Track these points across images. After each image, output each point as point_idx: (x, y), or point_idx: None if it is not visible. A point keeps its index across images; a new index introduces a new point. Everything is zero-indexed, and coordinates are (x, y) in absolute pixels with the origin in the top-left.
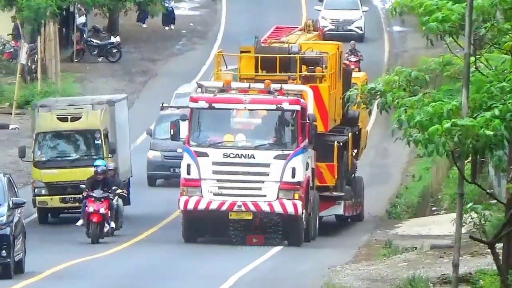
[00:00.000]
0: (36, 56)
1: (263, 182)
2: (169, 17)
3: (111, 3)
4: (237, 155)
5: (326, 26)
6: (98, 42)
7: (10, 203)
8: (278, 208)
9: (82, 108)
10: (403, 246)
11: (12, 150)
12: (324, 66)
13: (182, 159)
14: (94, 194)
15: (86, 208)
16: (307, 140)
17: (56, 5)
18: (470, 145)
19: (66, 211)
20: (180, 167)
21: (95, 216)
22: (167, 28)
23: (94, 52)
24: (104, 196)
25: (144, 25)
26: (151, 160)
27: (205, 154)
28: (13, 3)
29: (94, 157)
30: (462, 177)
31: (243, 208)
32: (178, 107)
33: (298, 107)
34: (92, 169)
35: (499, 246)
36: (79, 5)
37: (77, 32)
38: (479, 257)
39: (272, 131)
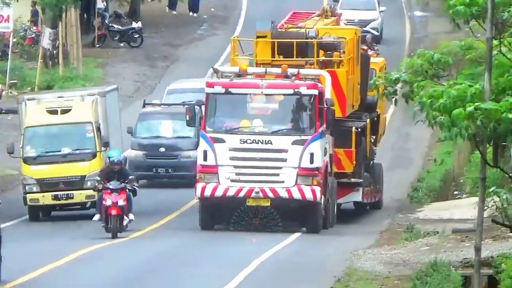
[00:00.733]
0: (58, 41)
1: (281, 168)
2: (196, 4)
3: None
4: (254, 141)
5: None
6: (120, 27)
7: None
8: (296, 194)
9: (72, 100)
10: (425, 230)
11: None
12: (342, 51)
13: (165, 158)
14: (110, 186)
15: (103, 201)
16: (325, 125)
17: None
18: (493, 129)
19: (57, 208)
20: (163, 167)
21: (114, 209)
22: (193, 14)
23: (116, 38)
24: (121, 187)
25: (174, 12)
26: (132, 160)
27: (221, 140)
28: None
29: (87, 151)
30: (484, 161)
31: (260, 195)
32: (160, 104)
33: (315, 92)
34: (81, 164)
35: None
36: None
37: (99, 17)
38: (501, 241)
39: (289, 116)
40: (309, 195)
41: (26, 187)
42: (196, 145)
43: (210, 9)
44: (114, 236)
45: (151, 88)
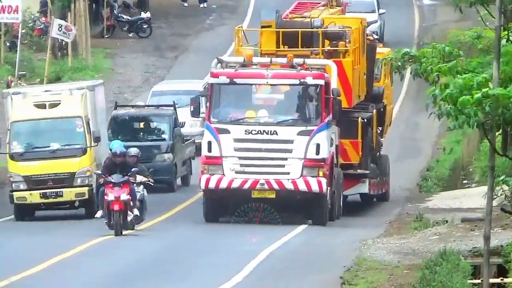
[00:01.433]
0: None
1: (286, 159)
2: None
3: None
4: (259, 132)
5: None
6: (128, 18)
7: None
8: (302, 186)
9: (60, 94)
10: (434, 220)
11: None
12: (347, 40)
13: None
14: (112, 180)
15: (105, 196)
16: (331, 116)
17: None
18: (501, 115)
19: (43, 206)
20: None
21: (116, 204)
22: (201, 5)
23: (125, 28)
24: (124, 181)
25: (186, 4)
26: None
27: (226, 131)
28: None
29: (77, 147)
30: (493, 149)
31: (266, 187)
32: (133, 106)
33: (321, 82)
34: (71, 161)
35: None
36: None
37: (107, 8)
38: (510, 230)
39: (295, 106)
40: (315, 187)
41: (13, 185)
42: (171, 148)
43: None
44: (118, 233)
45: (160, 79)
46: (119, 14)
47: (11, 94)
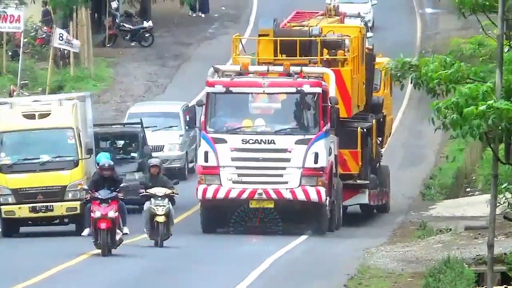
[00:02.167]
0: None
1: (284, 168)
2: (205, 5)
3: None
4: (256, 141)
5: None
6: (131, 26)
7: None
8: (301, 196)
9: (50, 104)
10: (437, 228)
11: None
12: (346, 49)
13: None
14: (99, 196)
15: (92, 213)
16: (329, 124)
17: None
18: (505, 128)
19: (29, 222)
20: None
21: (104, 222)
22: (194, 15)
23: (127, 37)
24: (112, 197)
25: (195, 14)
26: None
27: (223, 141)
28: None
29: (68, 159)
30: (496, 158)
31: (264, 196)
32: (99, 125)
33: (319, 90)
34: (62, 173)
35: None
36: None
37: (109, 17)
38: None
39: (292, 115)
40: (313, 196)
41: (1, 198)
42: (141, 167)
43: (221, 8)
44: (105, 253)
45: (162, 88)
46: (121, 23)
47: None
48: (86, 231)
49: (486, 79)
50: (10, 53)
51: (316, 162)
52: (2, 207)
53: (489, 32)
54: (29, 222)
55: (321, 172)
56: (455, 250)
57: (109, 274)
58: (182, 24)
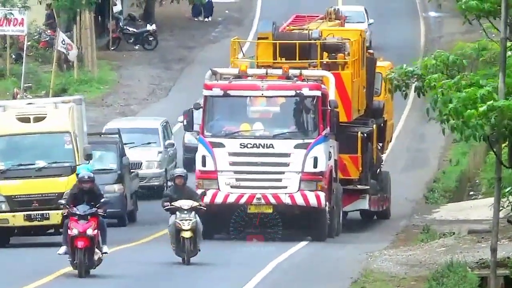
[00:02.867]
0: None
1: (283, 173)
2: (209, 9)
3: None
4: (255, 145)
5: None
6: (134, 30)
7: None
8: (300, 200)
9: (45, 107)
10: (440, 231)
11: None
12: (346, 52)
13: None
14: (77, 211)
15: (69, 230)
16: (328, 128)
17: None
18: (507, 127)
19: (16, 232)
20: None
21: (81, 240)
22: (196, 19)
23: (130, 40)
24: (92, 213)
25: (200, 18)
26: None
27: (221, 145)
28: None
29: (65, 165)
30: (500, 161)
31: (262, 201)
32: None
33: (318, 93)
34: (58, 180)
35: None
36: None
37: (113, 20)
38: None
39: (291, 119)
40: (313, 201)
41: None
42: (121, 178)
43: (225, 11)
44: (82, 274)
45: (166, 91)
46: (125, 27)
47: None
48: (62, 249)
49: (488, 83)
50: (13, 56)
51: (315, 166)
52: None
53: (493, 35)
54: (15, 232)
55: (321, 176)
56: (458, 254)
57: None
58: (185, 27)
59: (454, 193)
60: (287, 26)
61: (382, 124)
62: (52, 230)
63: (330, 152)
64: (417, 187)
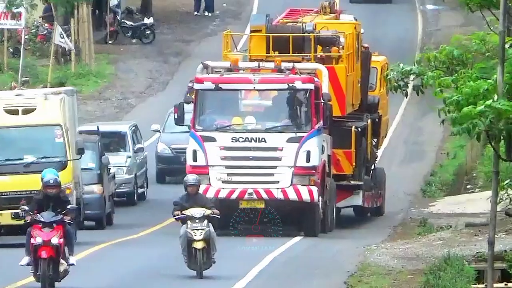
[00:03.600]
0: (70, 38)
1: (275, 167)
2: (211, 4)
3: None
4: (246, 139)
5: None
6: (132, 23)
7: None
8: (292, 195)
9: (34, 99)
10: (438, 225)
11: None
12: (341, 46)
13: None
14: (42, 219)
15: (32, 239)
16: (321, 122)
17: None
18: (503, 127)
19: (2, 232)
20: None
21: (45, 249)
22: (196, 13)
23: (128, 34)
24: (57, 220)
25: (204, 13)
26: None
27: (212, 139)
28: None
29: (55, 160)
30: (497, 155)
31: (254, 196)
32: None
33: (311, 86)
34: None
35: None
36: None
37: (111, 13)
38: None
39: (283, 112)
40: (305, 196)
41: None
42: (100, 179)
43: (223, 5)
44: (45, 287)
45: (163, 85)
46: (122, 20)
47: None
48: (25, 260)
49: (489, 78)
50: (11, 50)
51: (308, 160)
52: None
53: (491, 28)
54: (1, 231)
55: (313, 171)
56: (455, 247)
57: (109, 273)
58: (183, 21)
59: (451, 187)
60: (281, 19)
61: (377, 120)
62: None
63: (323, 146)
64: (414, 181)
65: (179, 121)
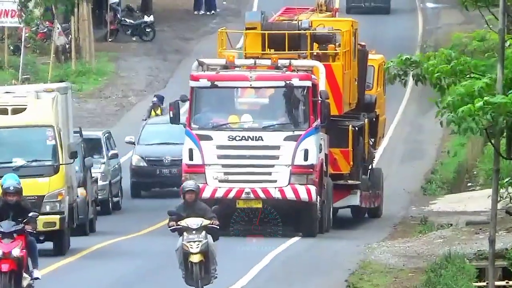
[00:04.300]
0: (70, 36)
1: (273, 166)
2: (212, 3)
3: None
4: (243, 138)
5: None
6: (132, 21)
7: None
8: (290, 194)
9: (25, 97)
10: (438, 223)
11: None
12: (337, 43)
13: None
14: (1, 229)
15: None
16: (319, 120)
17: None
18: (504, 122)
19: None
20: None
21: (6, 262)
22: (196, 12)
23: (128, 32)
24: (18, 230)
25: (212, 12)
26: None
27: (208, 138)
28: None
29: (47, 163)
30: (498, 152)
31: (251, 196)
32: None
33: (309, 83)
34: (39, 181)
35: None
36: None
37: (111, 11)
38: None
39: (281, 110)
40: (303, 195)
41: None
42: (83, 182)
43: (223, 3)
44: None
45: (163, 82)
46: (123, 18)
47: None
48: None
49: (486, 74)
50: (11, 48)
51: (306, 159)
52: None
53: (491, 26)
54: None
55: (311, 169)
56: (456, 245)
57: (110, 270)
58: (183, 19)
59: (452, 185)
60: (277, 17)
61: (374, 119)
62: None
63: (321, 145)
64: (415, 179)
65: (175, 119)
